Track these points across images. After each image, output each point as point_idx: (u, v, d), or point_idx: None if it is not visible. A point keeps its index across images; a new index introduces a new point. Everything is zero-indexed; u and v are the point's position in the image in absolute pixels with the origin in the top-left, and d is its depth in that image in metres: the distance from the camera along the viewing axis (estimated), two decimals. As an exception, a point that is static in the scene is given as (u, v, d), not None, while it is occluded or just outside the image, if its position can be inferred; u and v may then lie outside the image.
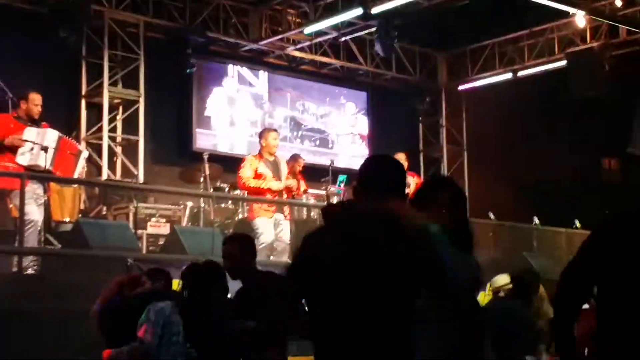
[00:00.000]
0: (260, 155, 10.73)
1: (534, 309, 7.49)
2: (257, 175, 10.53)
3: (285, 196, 10.85)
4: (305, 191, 11.86)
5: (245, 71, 15.88)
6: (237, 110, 15.68)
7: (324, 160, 13.76)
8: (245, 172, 10.56)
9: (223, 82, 15.60)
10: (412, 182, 12.37)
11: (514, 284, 7.29)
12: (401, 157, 11.85)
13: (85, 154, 10.15)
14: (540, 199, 15.50)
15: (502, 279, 7.94)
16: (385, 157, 3.72)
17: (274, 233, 10.49)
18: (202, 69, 15.11)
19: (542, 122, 16.61)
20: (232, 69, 15.75)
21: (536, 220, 13.49)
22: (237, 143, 15.42)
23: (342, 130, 17.11)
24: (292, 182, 10.95)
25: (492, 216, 13.21)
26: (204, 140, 14.92)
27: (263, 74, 16.13)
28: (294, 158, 12.01)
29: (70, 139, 9.99)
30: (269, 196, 10.59)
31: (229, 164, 12.63)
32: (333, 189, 12.40)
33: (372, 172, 3.59)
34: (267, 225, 10.42)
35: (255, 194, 10.60)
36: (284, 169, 10.89)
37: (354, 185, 3.63)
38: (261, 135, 11.03)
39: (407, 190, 3.74)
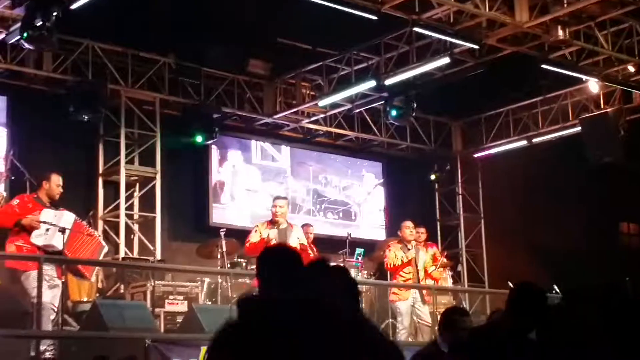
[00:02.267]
0: (270, 222, 10.77)
1: None
2: (261, 240, 10.52)
3: None
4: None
5: (267, 146, 16.02)
6: (254, 185, 15.74)
7: (345, 233, 13.77)
8: (252, 237, 10.66)
9: (240, 157, 15.70)
10: (429, 253, 12.39)
11: None
12: (409, 224, 11.96)
13: (105, 249, 10.17)
14: (560, 265, 15.38)
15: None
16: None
17: None
18: (218, 144, 15.23)
19: (560, 187, 16.60)
20: (254, 144, 15.88)
21: (556, 288, 13.36)
22: (255, 217, 15.41)
23: (363, 202, 17.11)
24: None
25: (511, 285, 13.08)
26: (220, 215, 14.96)
27: (285, 149, 16.26)
28: (304, 227, 12.07)
29: (84, 222, 10.00)
30: None
31: (245, 238, 12.65)
32: (351, 261, 12.39)
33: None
34: None
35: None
36: (293, 237, 10.79)
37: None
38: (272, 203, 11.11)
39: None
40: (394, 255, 11.79)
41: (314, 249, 11.68)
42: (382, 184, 17.49)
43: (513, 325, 4.63)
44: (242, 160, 15.75)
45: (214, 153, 15.29)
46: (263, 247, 10.38)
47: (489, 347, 3.69)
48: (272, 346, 2.11)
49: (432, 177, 17.57)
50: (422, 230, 12.62)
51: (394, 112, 14.86)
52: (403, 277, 11.80)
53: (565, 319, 4.26)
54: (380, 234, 16.82)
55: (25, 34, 10.90)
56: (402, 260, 11.72)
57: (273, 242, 10.52)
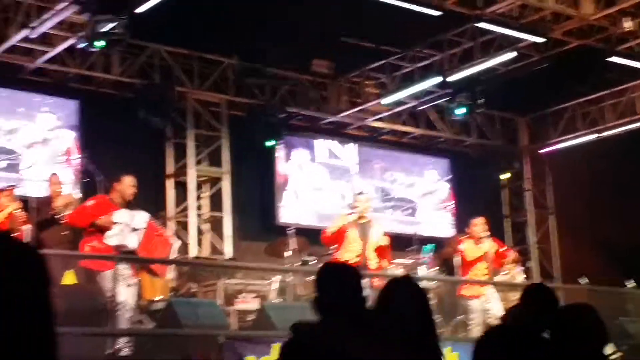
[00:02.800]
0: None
1: None
2: (340, 231, 10.54)
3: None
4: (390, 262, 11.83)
5: (333, 144, 16.08)
6: (321, 183, 15.80)
7: (412, 230, 13.76)
8: (331, 227, 10.72)
9: (306, 156, 15.78)
10: (493, 248, 12.25)
11: None
12: (478, 221, 11.87)
13: (176, 245, 10.30)
14: (632, 260, 15.13)
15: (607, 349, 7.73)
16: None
17: None
18: (285, 144, 15.32)
19: (630, 181, 16.33)
20: (319, 143, 15.96)
21: (630, 283, 13.16)
22: (322, 216, 15.48)
23: (429, 199, 17.06)
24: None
25: (584, 281, 12.93)
26: (287, 214, 15.04)
27: (350, 147, 16.32)
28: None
29: (157, 223, 10.15)
30: None
31: (315, 236, 12.70)
32: (419, 258, 12.36)
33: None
34: None
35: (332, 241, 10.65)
36: (373, 233, 10.81)
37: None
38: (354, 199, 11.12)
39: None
40: (469, 248, 11.75)
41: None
42: (448, 180, 17.41)
43: (525, 324, 4.62)
44: (309, 159, 15.82)
45: (281, 152, 15.37)
46: (338, 237, 10.48)
47: (500, 345, 3.68)
48: None
49: (503, 176, 17.43)
50: (480, 221, 12.44)
51: (461, 110, 14.76)
52: (476, 273, 11.74)
53: (579, 319, 4.23)
54: (447, 231, 16.74)
55: (94, 40, 11.11)
56: (477, 254, 11.70)
57: (352, 236, 10.54)
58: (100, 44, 11.21)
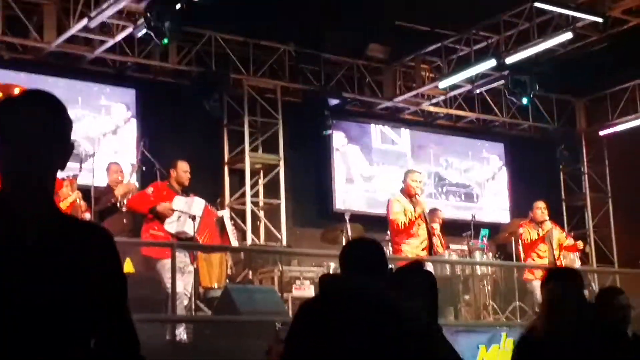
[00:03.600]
0: (409, 196, 10.42)
1: None
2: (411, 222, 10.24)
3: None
4: (446, 247, 11.81)
5: (387, 129, 16.06)
6: (377, 169, 15.80)
7: (468, 215, 13.66)
8: (400, 216, 10.14)
9: (362, 142, 15.79)
10: (555, 232, 12.15)
11: None
12: (541, 205, 11.80)
13: (226, 213, 10.34)
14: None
15: None
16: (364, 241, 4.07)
17: None
18: (340, 129, 15.34)
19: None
20: (374, 128, 15.96)
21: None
22: (377, 202, 15.47)
23: (485, 184, 16.96)
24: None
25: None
26: (344, 200, 15.06)
27: (405, 132, 16.25)
28: (432, 212, 11.98)
29: (212, 207, 10.24)
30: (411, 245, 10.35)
31: (370, 223, 12.73)
32: (476, 243, 12.30)
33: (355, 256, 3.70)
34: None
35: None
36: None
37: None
38: (404, 177, 10.78)
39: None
40: (528, 231, 11.71)
41: (442, 236, 11.60)
42: (505, 164, 17.27)
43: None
44: (363, 144, 15.80)
45: (336, 138, 15.39)
46: (409, 227, 10.23)
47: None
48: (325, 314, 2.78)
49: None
50: (542, 205, 12.34)
51: (525, 100, 14.57)
52: (539, 255, 11.68)
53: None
54: (503, 216, 16.63)
55: (158, 36, 11.23)
56: (538, 234, 11.63)
57: (411, 209, 10.19)
58: (164, 40, 11.33)
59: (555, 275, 4.37)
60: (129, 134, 13.40)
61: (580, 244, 12.74)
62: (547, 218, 11.81)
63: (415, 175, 10.59)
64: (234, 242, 9.96)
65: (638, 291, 12.36)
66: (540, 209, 11.84)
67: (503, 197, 17.08)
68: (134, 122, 13.48)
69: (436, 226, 11.20)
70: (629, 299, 5.32)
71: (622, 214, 17.44)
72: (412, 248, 10.15)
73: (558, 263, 11.70)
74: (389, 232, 11.50)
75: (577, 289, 4.12)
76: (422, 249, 10.21)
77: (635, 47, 14.12)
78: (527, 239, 11.73)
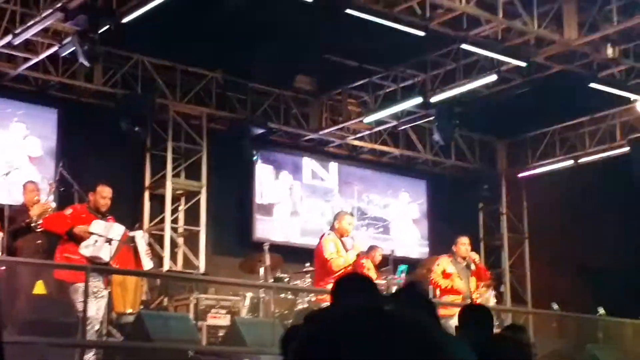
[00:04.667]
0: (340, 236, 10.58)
1: None
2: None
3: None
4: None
5: (317, 166, 16.16)
6: (302, 202, 15.82)
7: (387, 250, 13.70)
8: (335, 257, 10.25)
9: (290, 174, 15.80)
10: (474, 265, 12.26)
11: None
12: (465, 240, 11.88)
13: (139, 233, 10.10)
14: (604, 288, 15.20)
15: None
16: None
17: None
18: (269, 159, 15.33)
19: (606, 208, 16.42)
20: (305, 163, 16.08)
21: (601, 310, 13.21)
22: (303, 233, 15.47)
23: (402, 219, 17.13)
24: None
25: (555, 306, 12.98)
26: (264, 230, 15.03)
27: (333, 168, 16.40)
28: (372, 249, 12.06)
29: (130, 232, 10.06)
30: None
31: (289, 254, 12.72)
32: (393, 279, 12.34)
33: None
34: None
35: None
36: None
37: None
38: (336, 216, 10.91)
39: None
40: (441, 271, 11.70)
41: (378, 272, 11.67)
42: (426, 201, 17.46)
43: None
44: (292, 177, 15.83)
45: (263, 168, 15.37)
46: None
47: None
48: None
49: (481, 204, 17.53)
50: (466, 240, 12.46)
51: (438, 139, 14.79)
52: (455, 293, 11.73)
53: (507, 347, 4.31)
54: (422, 252, 16.79)
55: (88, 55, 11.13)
56: (456, 270, 11.66)
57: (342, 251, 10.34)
58: (83, 53, 11.19)
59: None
60: (48, 154, 13.15)
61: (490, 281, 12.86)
62: (467, 255, 11.86)
63: (350, 219, 10.83)
64: (147, 263, 9.71)
65: (550, 332, 12.62)
66: (465, 244, 11.91)
67: (422, 233, 17.26)
68: (53, 142, 13.24)
69: (370, 265, 11.23)
70: (535, 339, 5.44)
71: (537, 255, 17.76)
72: None
73: (475, 297, 11.77)
74: (307, 264, 11.53)
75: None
76: None
77: (557, 93, 14.48)
78: (439, 273, 11.73)
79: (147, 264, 9.70)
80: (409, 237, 17.16)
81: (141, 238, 9.84)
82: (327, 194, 16.23)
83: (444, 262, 11.79)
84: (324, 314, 3.15)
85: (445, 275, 11.56)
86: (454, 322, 10.98)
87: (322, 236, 10.61)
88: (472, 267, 11.81)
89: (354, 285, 3.85)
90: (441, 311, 11.46)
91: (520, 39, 12.82)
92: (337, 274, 10.07)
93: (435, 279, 11.64)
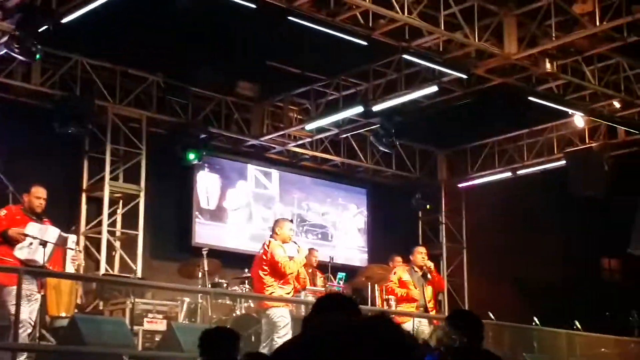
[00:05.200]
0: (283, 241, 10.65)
1: None
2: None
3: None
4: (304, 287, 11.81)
5: (260, 175, 16.13)
6: (238, 206, 15.75)
7: (323, 256, 13.71)
8: (284, 259, 10.36)
9: (226, 178, 15.72)
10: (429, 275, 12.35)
11: None
12: (422, 250, 12.02)
13: (72, 237, 9.92)
14: (540, 298, 15.42)
15: None
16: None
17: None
18: (203, 164, 15.20)
19: (543, 220, 16.68)
20: (250, 171, 16.03)
21: (536, 320, 13.37)
22: (238, 238, 15.42)
23: (340, 227, 17.18)
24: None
25: (491, 316, 13.09)
26: (203, 235, 14.91)
27: (275, 176, 16.37)
28: (309, 251, 12.12)
29: (66, 235, 9.90)
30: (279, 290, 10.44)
31: (228, 259, 12.65)
32: (332, 285, 12.35)
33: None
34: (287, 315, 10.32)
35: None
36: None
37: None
38: (277, 223, 10.94)
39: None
40: (397, 279, 11.78)
41: (319, 272, 11.74)
42: (366, 210, 17.53)
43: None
44: (232, 184, 15.75)
45: (201, 173, 15.27)
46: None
47: None
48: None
49: (426, 207, 17.59)
50: (399, 259, 12.67)
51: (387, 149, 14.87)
52: (410, 301, 11.77)
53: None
54: (360, 260, 16.85)
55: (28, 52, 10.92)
56: (411, 278, 11.74)
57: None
58: (20, 52, 11.01)
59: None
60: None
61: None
62: (423, 264, 11.95)
63: (291, 225, 10.94)
64: (69, 267, 9.54)
65: (486, 341, 12.68)
66: (422, 253, 12.02)
67: (362, 241, 17.31)
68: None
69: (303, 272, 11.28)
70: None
71: (475, 264, 17.94)
72: (284, 293, 10.37)
73: (429, 307, 11.85)
74: (246, 270, 11.48)
75: None
76: (291, 295, 10.55)
77: (496, 105, 14.67)
78: (395, 281, 11.81)
79: (69, 268, 9.51)
80: (348, 245, 17.20)
81: (72, 242, 9.66)
82: (270, 201, 16.23)
83: (400, 271, 11.92)
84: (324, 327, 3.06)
85: (402, 283, 11.69)
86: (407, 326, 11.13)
87: (266, 243, 10.61)
88: (429, 276, 11.91)
89: (334, 303, 3.91)
90: (397, 319, 11.56)
91: (461, 51, 12.95)
92: (287, 277, 10.31)
93: (392, 287, 11.77)
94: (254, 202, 16.02)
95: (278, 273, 10.35)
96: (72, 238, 9.80)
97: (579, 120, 15.36)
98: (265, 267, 10.41)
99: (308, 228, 16.79)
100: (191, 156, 14.12)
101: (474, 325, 5.46)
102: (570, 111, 14.96)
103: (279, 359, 3.12)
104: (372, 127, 15.30)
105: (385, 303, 12.01)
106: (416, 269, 11.88)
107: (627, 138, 15.72)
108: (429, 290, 11.90)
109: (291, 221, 11.31)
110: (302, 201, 16.86)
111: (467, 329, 5.45)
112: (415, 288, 11.73)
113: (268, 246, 10.47)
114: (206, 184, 15.39)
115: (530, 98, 13.90)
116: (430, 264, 12.12)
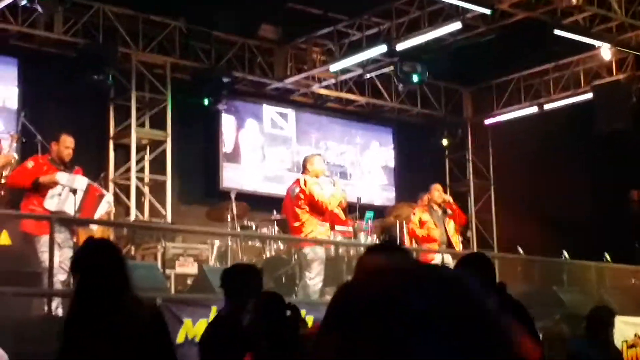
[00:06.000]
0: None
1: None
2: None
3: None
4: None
5: (276, 116, 16.05)
6: (264, 150, 15.79)
7: (351, 197, 13.75)
8: (317, 190, 10.42)
9: (250, 122, 15.74)
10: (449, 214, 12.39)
11: (587, 322, 7.18)
12: (438, 187, 12.03)
13: (108, 197, 10.09)
14: (569, 232, 15.40)
15: None
16: None
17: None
18: (231, 108, 15.23)
19: (570, 155, 16.58)
20: (265, 112, 15.94)
21: (565, 254, 13.38)
22: (266, 180, 15.50)
23: (360, 166, 17.16)
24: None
25: (520, 251, 13.13)
26: (231, 179, 15.00)
27: (291, 117, 16.28)
28: None
29: (97, 184, 10.02)
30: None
31: (256, 202, 12.73)
32: (360, 225, 12.39)
33: None
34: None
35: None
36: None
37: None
38: (307, 160, 10.94)
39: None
40: (417, 220, 11.84)
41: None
42: (393, 149, 17.52)
43: None
44: (254, 126, 15.77)
45: (227, 117, 15.29)
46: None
47: None
48: None
49: (444, 142, 17.55)
50: (439, 187, 12.62)
51: (415, 78, 14.73)
52: (431, 241, 11.83)
53: None
54: (387, 198, 16.88)
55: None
56: (431, 217, 11.80)
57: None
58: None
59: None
60: (9, 105, 12.96)
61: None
62: (440, 201, 11.99)
63: (320, 159, 10.99)
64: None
65: (515, 275, 12.76)
66: (439, 190, 12.08)
67: (383, 179, 17.31)
68: (14, 92, 13.05)
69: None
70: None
71: (503, 201, 17.93)
72: (324, 230, 10.54)
73: (454, 242, 11.91)
74: (274, 212, 11.56)
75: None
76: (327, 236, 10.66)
77: (521, 40, 14.50)
78: (416, 222, 11.88)
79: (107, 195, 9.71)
80: (372, 184, 17.19)
81: (106, 202, 9.78)
82: (286, 142, 16.18)
83: (419, 211, 11.93)
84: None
85: (422, 224, 11.73)
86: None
87: (301, 181, 10.57)
88: (449, 211, 11.96)
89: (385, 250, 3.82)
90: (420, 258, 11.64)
91: (485, -14, 12.79)
92: (327, 214, 10.47)
93: (412, 229, 11.78)
94: (272, 144, 15.96)
95: (318, 210, 10.42)
96: (107, 197, 9.92)
97: (606, 52, 15.15)
98: (304, 206, 10.42)
99: (330, 168, 16.73)
100: (206, 101, 14.12)
101: (482, 267, 5.30)
102: (596, 43, 14.75)
103: (341, 297, 3.10)
104: (397, 67, 15.14)
105: (411, 242, 12.07)
106: (435, 207, 11.92)
107: (655, 69, 15.53)
108: (450, 226, 11.94)
109: (319, 155, 11.37)
110: (320, 140, 16.80)
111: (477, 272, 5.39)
112: (436, 227, 11.77)
113: (305, 184, 10.47)
114: (230, 128, 15.41)
115: (556, 31, 13.72)
116: (449, 198, 12.15)
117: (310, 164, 10.70)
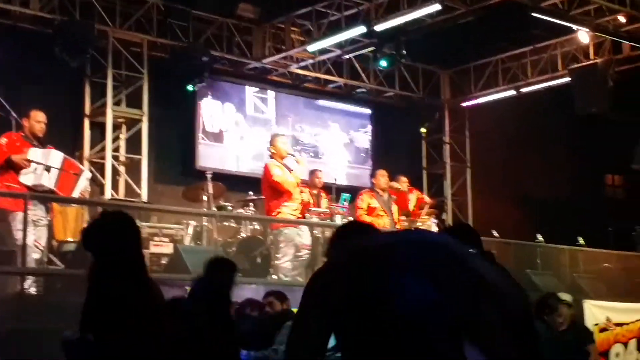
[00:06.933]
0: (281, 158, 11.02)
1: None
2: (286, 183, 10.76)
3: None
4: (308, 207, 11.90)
5: (257, 100, 16.01)
6: (244, 130, 15.75)
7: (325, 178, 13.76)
8: (277, 172, 10.77)
9: (229, 103, 15.68)
10: (413, 198, 12.55)
11: (535, 307, 7.59)
12: (383, 172, 12.15)
13: (87, 174, 10.06)
14: (543, 216, 15.49)
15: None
16: None
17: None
18: (211, 88, 15.17)
19: (546, 138, 16.64)
20: (248, 94, 15.92)
21: (539, 237, 13.45)
22: (241, 161, 15.47)
23: (337, 147, 17.16)
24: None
25: (495, 234, 13.17)
26: (207, 159, 14.95)
27: (271, 99, 16.22)
28: (312, 173, 12.20)
29: (73, 160, 9.97)
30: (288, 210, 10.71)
31: (232, 182, 12.68)
32: (336, 207, 12.39)
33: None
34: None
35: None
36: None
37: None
38: (270, 142, 11.26)
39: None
40: (366, 205, 11.99)
41: (325, 193, 12.09)
42: (367, 131, 17.52)
43: None
44: (233, 107, 15.72)
45: (205, 97, 15.22)
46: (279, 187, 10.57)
47: None
48: None
49: (423, 130, 17.56)
50: (405, 180, 12.77)
51: (383, 63, 14.79)
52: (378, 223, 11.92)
53: None
54: (364, 181, 16.90)
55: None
56: (378, 202, 11.93)
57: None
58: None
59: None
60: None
61: (426, 198, 13.34)
62: (386, 187, 12.16)
63: (283, 138, 11.33)
64: (76, 194, 9.64)
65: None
66: (384, 176, 12.24)
67: (363, 162, 17.31)
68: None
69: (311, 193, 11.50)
70: None
71: (479, 183, 18.00)
72: (291, 210, 10.78)
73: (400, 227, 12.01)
74: (250, 193, 11.56)
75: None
76: (299, 212, 10.97)
77: (500, 22, 14.49)
78: (365, 208, 12.00)
79: (76, 195, 9.60)
80: (348, 166, 17.19)
81: (85, 178, 9.74)
82: (266, 124, 16.17)
83: (366, 197, 12.00)
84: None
85: (370, 210, 11.78)
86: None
87: (266, 165, 10.94)
88: (393, 196, 12.12)
89: (355, 229, 3.74)
90: None
91: (464, -33, 12.77)
92: (291, 194, 10.70)
93: (361, 215, 11.81)
94: (254, 125, 15.96)
95: (279, 192, 10.59)
96: (86, 174, 9.87)
97: (583, 36, 15.20)
98: (268, 189, 10.61)
99: (303, 148, 16.77)
100: (190, 87, 14.11)
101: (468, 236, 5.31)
102: (574, 27, 14.78)
103: (319, 278, 3.05)
104: (374, 49, 15.11)
105: None
106: (381, 192, 12.12)
107: (632, 53, 15.56)
108: (394, 209, 12.17)
109: (283, 135, 11.56)
110: (296, 123, 16.82)
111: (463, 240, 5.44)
112: (385, 213, 11.94)
113: (267, 168, 10.70)
114: (208, 108, 15.35)
115: (534, 14, 13.72)
116: (397, 186, 12.27)
117: (273, 146, 11.06)
